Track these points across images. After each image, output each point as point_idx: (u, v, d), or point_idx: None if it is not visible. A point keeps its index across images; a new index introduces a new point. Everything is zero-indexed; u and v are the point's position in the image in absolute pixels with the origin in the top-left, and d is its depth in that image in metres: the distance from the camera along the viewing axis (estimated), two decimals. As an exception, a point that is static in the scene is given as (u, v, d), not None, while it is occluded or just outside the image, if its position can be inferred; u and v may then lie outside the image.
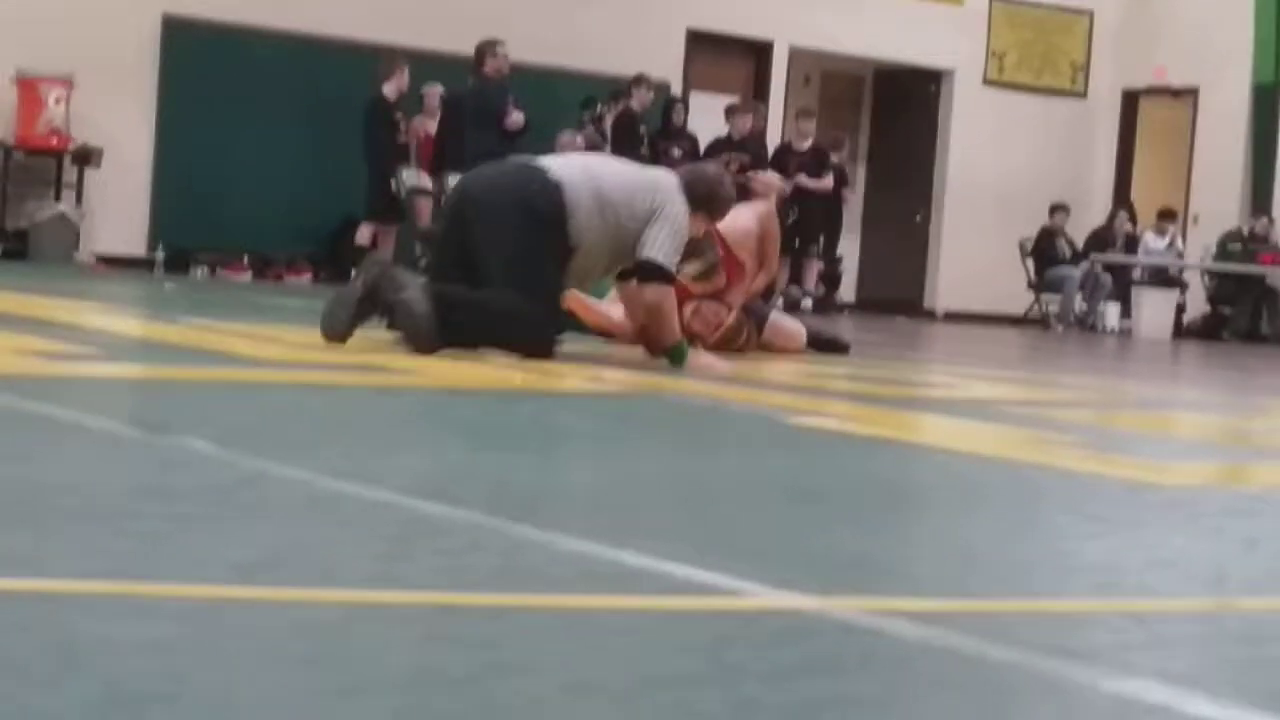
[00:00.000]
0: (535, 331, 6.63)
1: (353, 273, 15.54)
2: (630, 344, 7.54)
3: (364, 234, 15.65)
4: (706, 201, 7.08)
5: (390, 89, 15.68)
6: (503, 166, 7.23)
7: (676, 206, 6.84)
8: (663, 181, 6.97)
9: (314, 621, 2.13)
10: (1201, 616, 2.62)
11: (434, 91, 16.09)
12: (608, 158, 7.45)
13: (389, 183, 15.57)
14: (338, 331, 6.47)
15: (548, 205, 6.68)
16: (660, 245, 6.79)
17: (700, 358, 7.03)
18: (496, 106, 14.32)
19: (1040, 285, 19.98)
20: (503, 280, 6.65)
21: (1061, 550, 3.15)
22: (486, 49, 14.63)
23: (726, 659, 2.06)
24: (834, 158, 18.74)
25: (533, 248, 6.66)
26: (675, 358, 6.84)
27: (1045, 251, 19.93)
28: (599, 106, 16.77)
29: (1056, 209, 20.08)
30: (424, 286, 6.51)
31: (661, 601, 2.37)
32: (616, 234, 6.76)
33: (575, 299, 7.51)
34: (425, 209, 15.77)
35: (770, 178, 7.79)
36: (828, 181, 17.49)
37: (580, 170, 6.87)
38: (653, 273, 6.80)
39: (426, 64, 16.36)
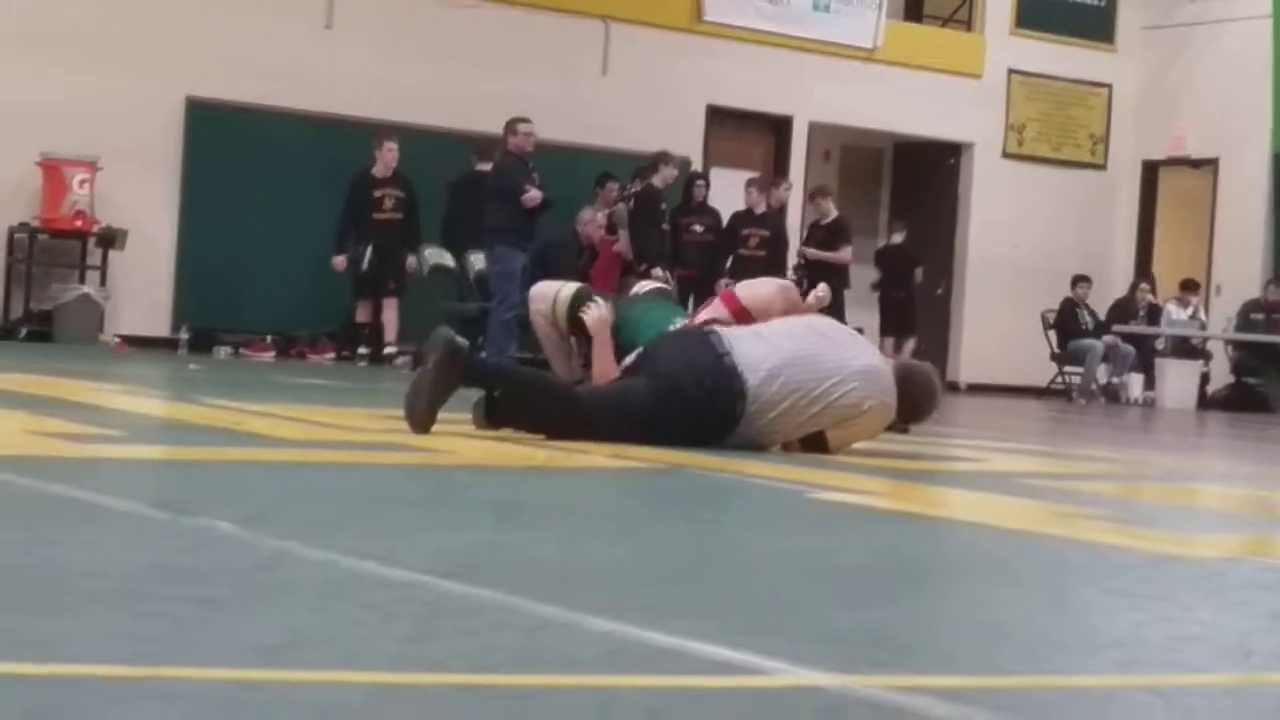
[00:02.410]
0: (574, 416, 6.48)
1: (360, 351, 15.76)
2: None
3: (360, 312, 15.81)
4: (914, 410, 7.04)
5: (379, 166, 15.78)
6: (690, 345, 6.75)
7: (889, 404, 6.75)
8: (884, 382, 6.76)
9: (339, 704, 2.12)
10: (1227, 691, 2.61)
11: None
12: (816, 334, 6.84)
13: (344, 260, 15.67)
14: (419, 419, 6.29)
15: (716, 403, 6.49)
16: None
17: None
18: (515, 183, 14.38)
19: (1063, 357, 19.96)
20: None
21: (1087, 625, 3.14)
22: (508, 126, 14.73)
23: (751, 739, 2.05)
24: (896, 238, 19.09)
25: (669, 419, 6.49)
26: None
27: (1067, 323, 19.93)
28: (628, 186, 16.84)
29: (1079, 280, 20.09)
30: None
31: (686, 680, 2.36)
32: (796, 415, 6.60)
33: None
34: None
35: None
36: (846, 254, 17.50)
37: (786, 372, 6.55)
38: None
39: (447, 143, 16.48)
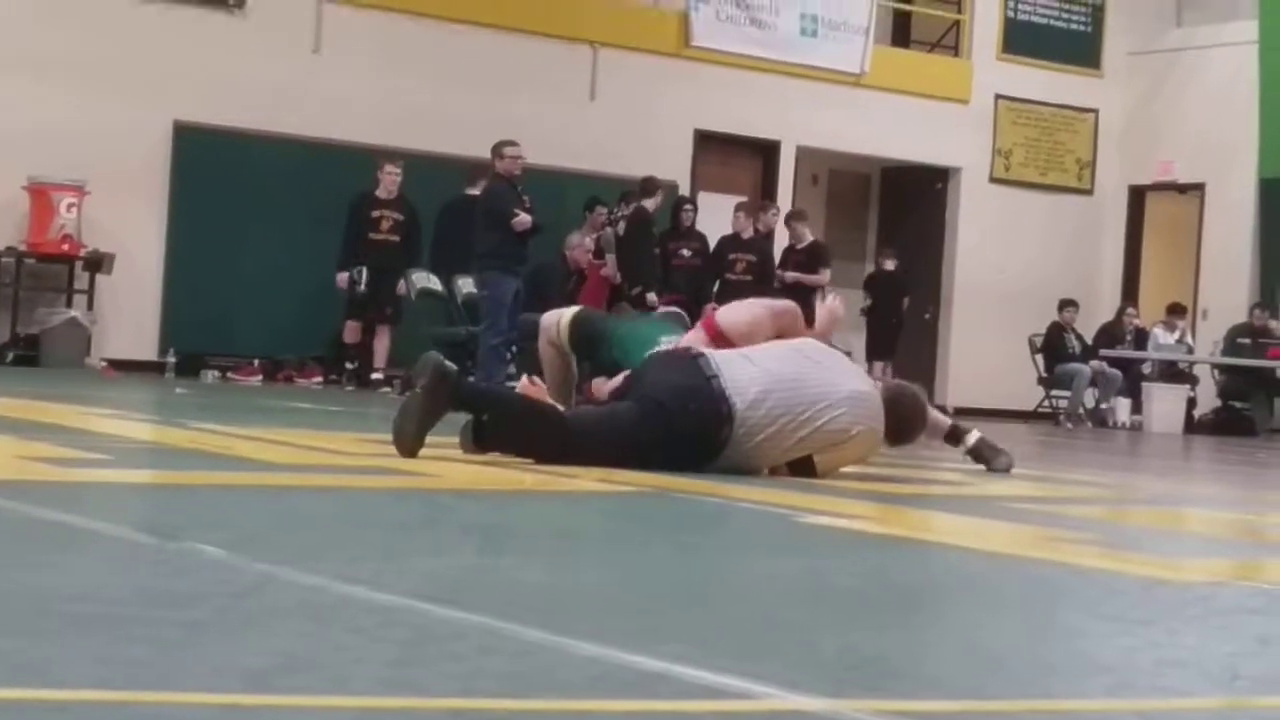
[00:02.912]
0: (563, 440, 6.46)
1: (346, 367, 15.70)
2: None
3: (349, 332, 15.80)
4: (902, 432, 7.04)
5: (381, 189, 15.77)
6: (678, 368, 6.69)
7: (878, 432, 6.77)
8: (873, 408, 6.78)
9: (326, 728, 2.12)
10: (1214, 715, 2.61)
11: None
12: (804, 358, 6.80)
13: (347, 277, 15.62)
14: (407, 443, 6.26)
15: (706, 426, 6.49)
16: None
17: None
18: (504, 207, 14.35)
19: (1049, 381, 19.98)
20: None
21: (1075, 649, 3.14)
22: (495, 150, 14.71)
23: (739, 763, 2.05)
24: (888, 264, 19.23)
25: (656, 442, 6.47)
26: None
27: (1054, 347, 19.95)
28: (614, 210, 16.86)
29: (1065, 305, 20.12)
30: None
31: (674, 705, 2.36)
32: (783, 439, 6.60)
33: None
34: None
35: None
36: (824, 277, 17.51)
37: (760, 392, 6.54)
38: None
39: (433, 167, 16.48)
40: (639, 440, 6.47)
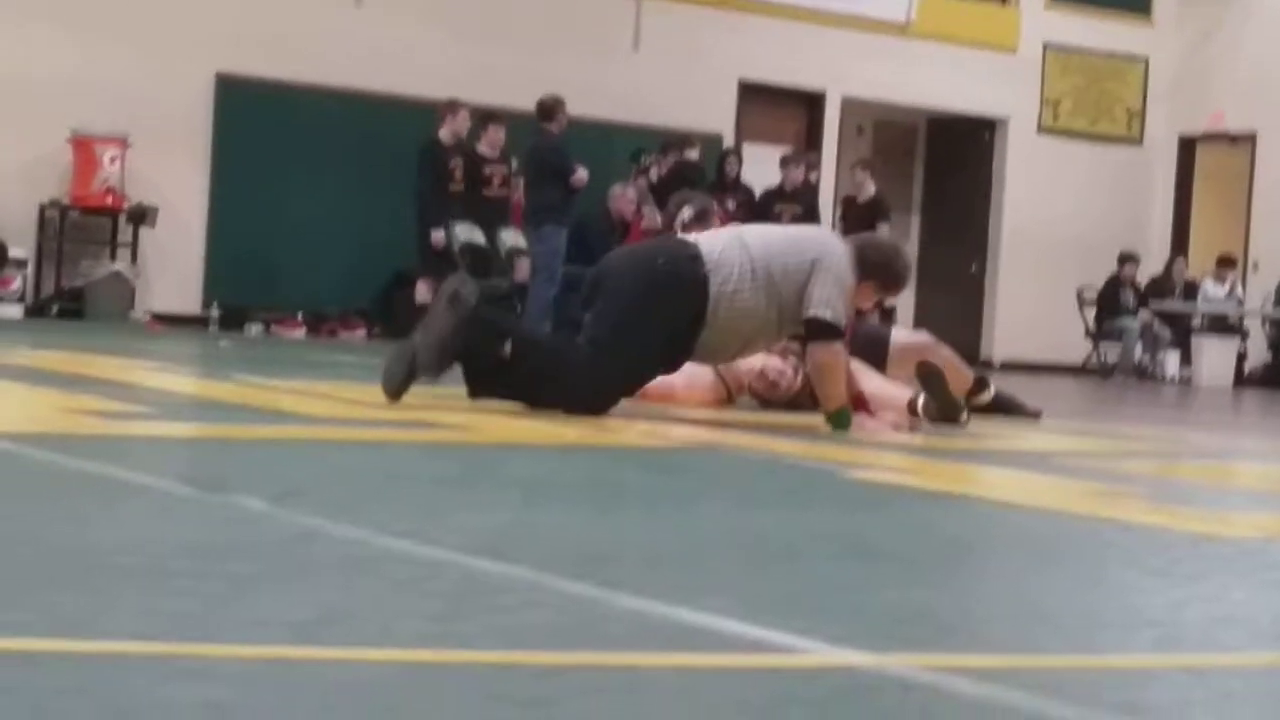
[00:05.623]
0: (578, 387, 6.47)
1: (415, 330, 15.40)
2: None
3: (421, 291, 15.43)
4: (879, 270, 6.75)
5: (445, 132, 15.38)
6: (643, 244, 7.07)
7: (836, 259, 6.55)
8: (823, 237, 7.07)
9: (371, 681, 2.12)
10: (1263, 671, 2.59)
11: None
12: (761, 226, 7.49)
13: (432, 233, 15.09)
14: (394, 389, 6.34)
15: (680, 271, 6.51)
16: (825, 301, 6.46)
17: (866, 424, 6.64)
18: (562, 163, 14.39)
19: (1100, 334, 19.83)
20: (595, 339, 6.57)
21: (1123, 604, 3.11)
22: (557, 106, 14.55)
23: (784, 718, 2.04)
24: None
25: (645, 313, 6.48)
26: (838, 422, 6.54)
27: (1110, 302, 19.71)
28: (644, 159, 16.80)
29: (1126, 259, 19.84)
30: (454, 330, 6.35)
31: (718, 659, 2.35)
32: (768, 296, 6.50)
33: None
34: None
35: None
36: (883, 234, 17.26)
37: (725, 236, 6.80)
38: (820, 331, 6.49)
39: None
40: (593, 381, 6.47)
